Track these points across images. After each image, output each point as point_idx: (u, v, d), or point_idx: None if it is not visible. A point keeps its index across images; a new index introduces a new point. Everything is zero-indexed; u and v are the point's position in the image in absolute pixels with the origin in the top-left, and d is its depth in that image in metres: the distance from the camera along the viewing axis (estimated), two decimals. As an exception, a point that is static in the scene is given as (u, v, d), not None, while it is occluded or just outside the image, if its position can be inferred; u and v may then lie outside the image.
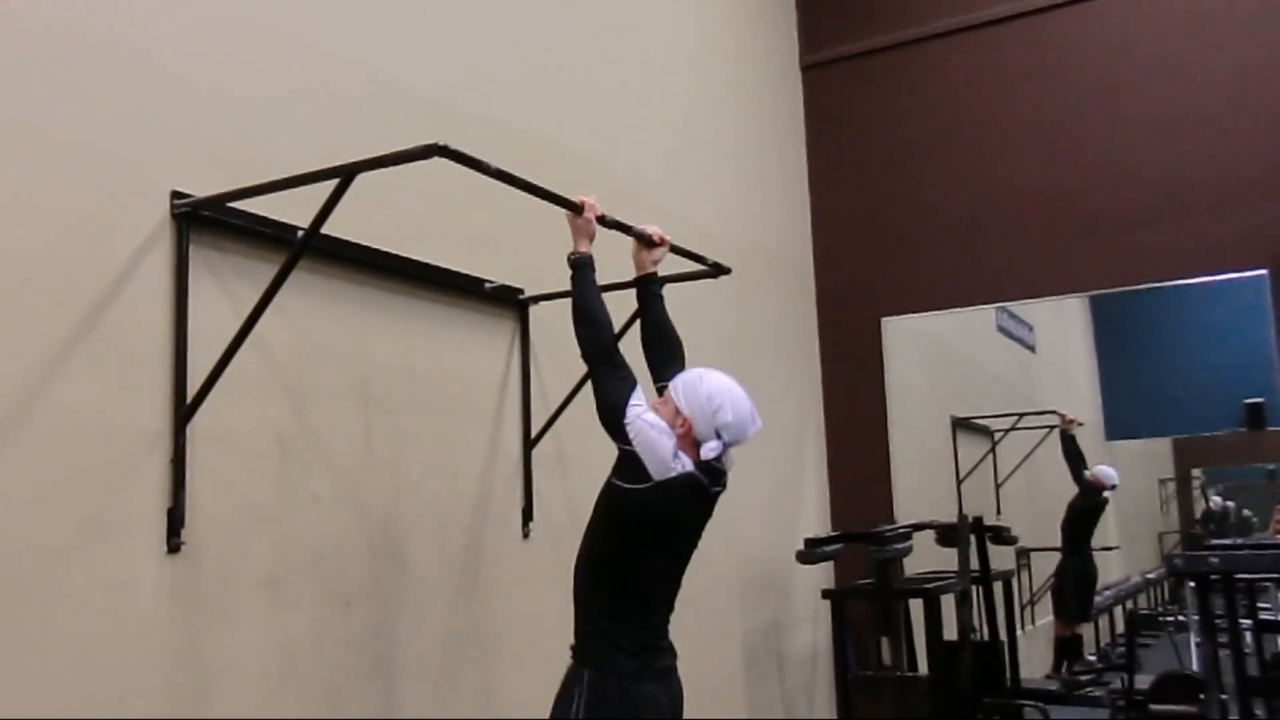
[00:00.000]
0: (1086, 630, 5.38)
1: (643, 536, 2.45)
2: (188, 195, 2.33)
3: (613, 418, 2.42)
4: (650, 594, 2.53)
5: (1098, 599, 5.33)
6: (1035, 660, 5.16)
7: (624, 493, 2.41)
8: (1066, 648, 5.28)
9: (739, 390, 2.52)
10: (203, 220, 2.36)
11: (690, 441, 2.46)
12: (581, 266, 2.56)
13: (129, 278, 2.22)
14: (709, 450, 2.45)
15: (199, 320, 2.33)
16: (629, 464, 2.39)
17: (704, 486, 2.48)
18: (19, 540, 1.98)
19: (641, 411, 2.41)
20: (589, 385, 3.16)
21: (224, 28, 2.52)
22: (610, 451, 2.45)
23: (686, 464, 2.42)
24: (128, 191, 2.25)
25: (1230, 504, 5.23)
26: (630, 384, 2.44)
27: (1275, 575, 3.77)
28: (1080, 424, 5.31)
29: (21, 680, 1.96)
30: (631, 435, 2.38)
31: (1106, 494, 5.21)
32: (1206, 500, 5.33)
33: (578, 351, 2.55)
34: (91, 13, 2.23)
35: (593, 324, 2.50)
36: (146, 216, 2.27)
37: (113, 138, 2.24)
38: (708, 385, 2.50)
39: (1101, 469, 5.24)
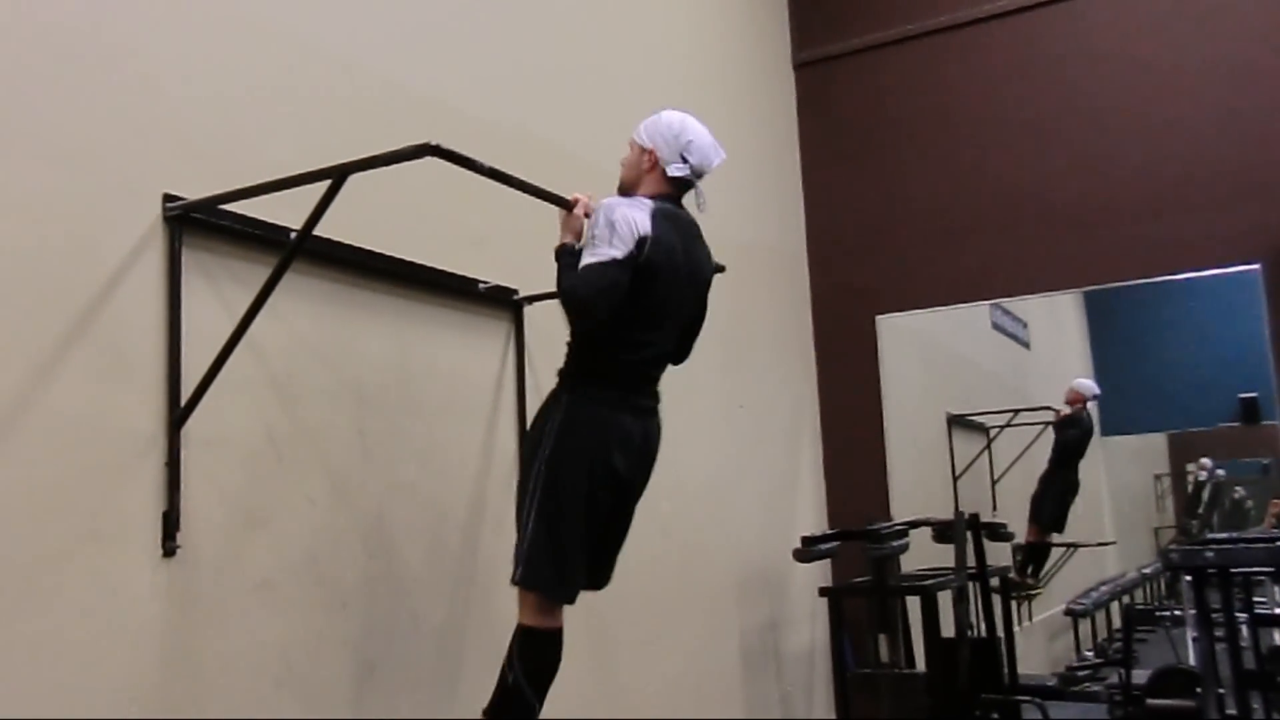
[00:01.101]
0: (1083, 624, 5.39)
1: (646, 286, 2.49)
2: (179, 198, 2.33)
3: (627, 270, 2.43)
4: (646, 345, 2.58)
5: (1094, 594, 5.33)
6: (1033, 657, 5.17)
7: (644, 260, 2.47)
8: (1034, 553, 5.33)
9: (698, 122, 2.67)
10: (195, 223, 2.36)
11: (657, 174, 2.61)
12: (563, 255, 2.58)
13: (121, 281, 2.22)
14: (675, 169, 2.59)
15: (192, 323, 2.33)
16: (641, 247, 2.46)
17: (673, 211, 2.59)
18: (14, 544, 1.97)
19: (597, 247, 2.45)
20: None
21: (214, 30, 2.52)
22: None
23: (645, 201, 2.54)
24: (119, 195, 2.24)
25: (1221, 472, 5.23)
26: (590, 265, 2.45)
27: (1271, 569, 3.77)
28: (1074, 419, 5.32)
29: (17, 683, 1.95)
30: (629, 245, 2.43)
31: (1090, 405, 5.22)
32: (1195, 476, 5.32)
33: (572, 351, 2.54)
34: (82, 16, 2.23)
35: (566, 300, 2.51)
36: (138, 220, 2.27)
37: (104, 141, 2.23)
38: (667, 115, 2.68)
39: (1078, 381, 5.28)
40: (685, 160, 2.60)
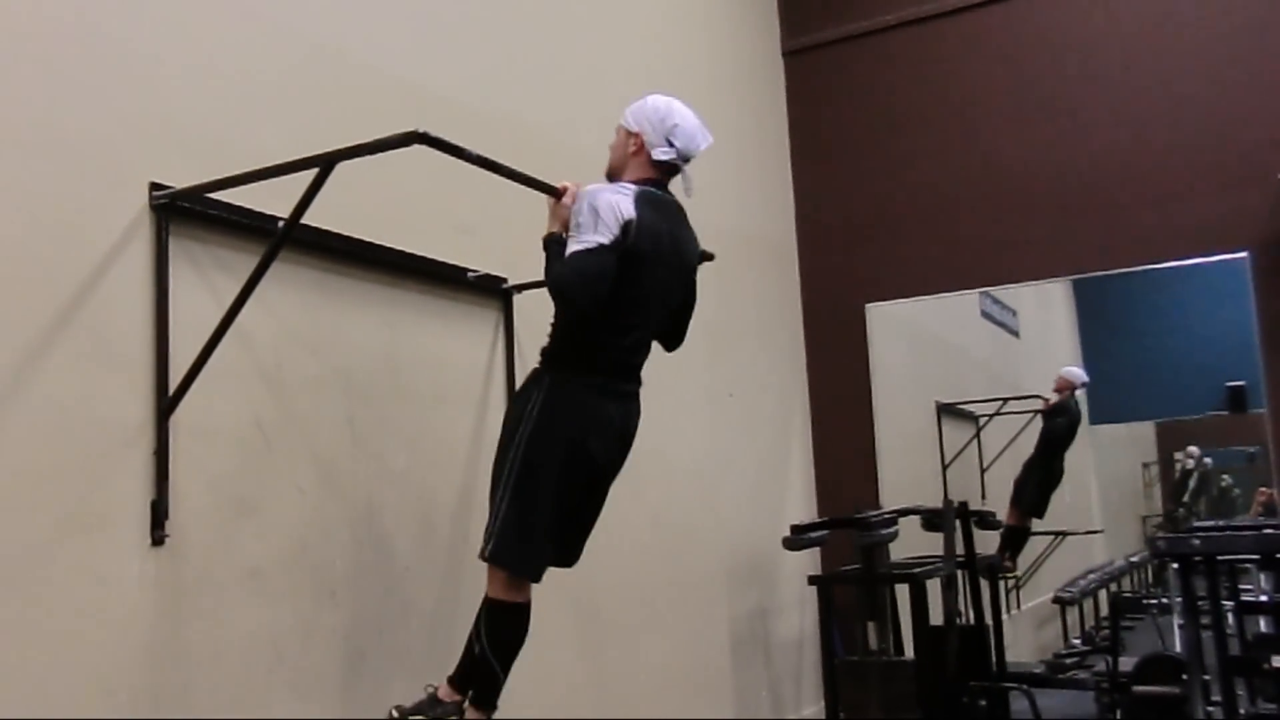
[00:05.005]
0: (1071, 612, 5.42)
1: (632, 272, 2.49)
2: (166, 187, 2.32)
3: (613, 256, 2.43)
4: (628, 330, 2.58)
5: (1081, 583, 5.36)
6: (1020, 644, 5.19)
7: (629, 246, 2.46)
8: (1014, 536, 5.33)
9: (685, 106, 2.67)
10: (182, 212, 2.35)
11: (643, 158, 2.61)
12: (551, 245, 2.58)
13: (108, 270, 2.21)
14: (661, 153, 2.58)
15: (180, 312, 2.32)
16: (625, 233, 2.45)
17: (659, 196, 2.58)
18: (1, 534, 1.97)
19: (582, 236, 2.44)
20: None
21: (201, 18, 2.51)
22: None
23: (629, 187, 2.53)
24: (106, 183, 2.24)
25: (1209, 461, 5.25)
26: (577, 254, 2.44)
27: (1257, 556, 3.79)
28: (1064, 408, 5.33)
29: (4, 674, 1.95)
30: (614, 231, 2.42)
31: (1078, 393, 5.25)
32: (1182, 465, 5.35)
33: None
34: (68, 5, 2.21)
35: (555, 285, 2.50)
36: (125, 208, 2.26)
37: (90, 129, 2.22)
38: (653, 99, 2.69)
39: (1067, 369, 5.30)
40: (671, 144, 2.59)
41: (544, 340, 2.60)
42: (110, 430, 2.18)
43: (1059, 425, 5.33)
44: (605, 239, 2.43)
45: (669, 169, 2.64)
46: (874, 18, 5.51)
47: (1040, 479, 5.34)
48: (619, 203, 2.46)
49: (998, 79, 5.21)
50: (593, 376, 2.52)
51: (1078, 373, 5.28)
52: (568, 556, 2.63)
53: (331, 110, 2.81)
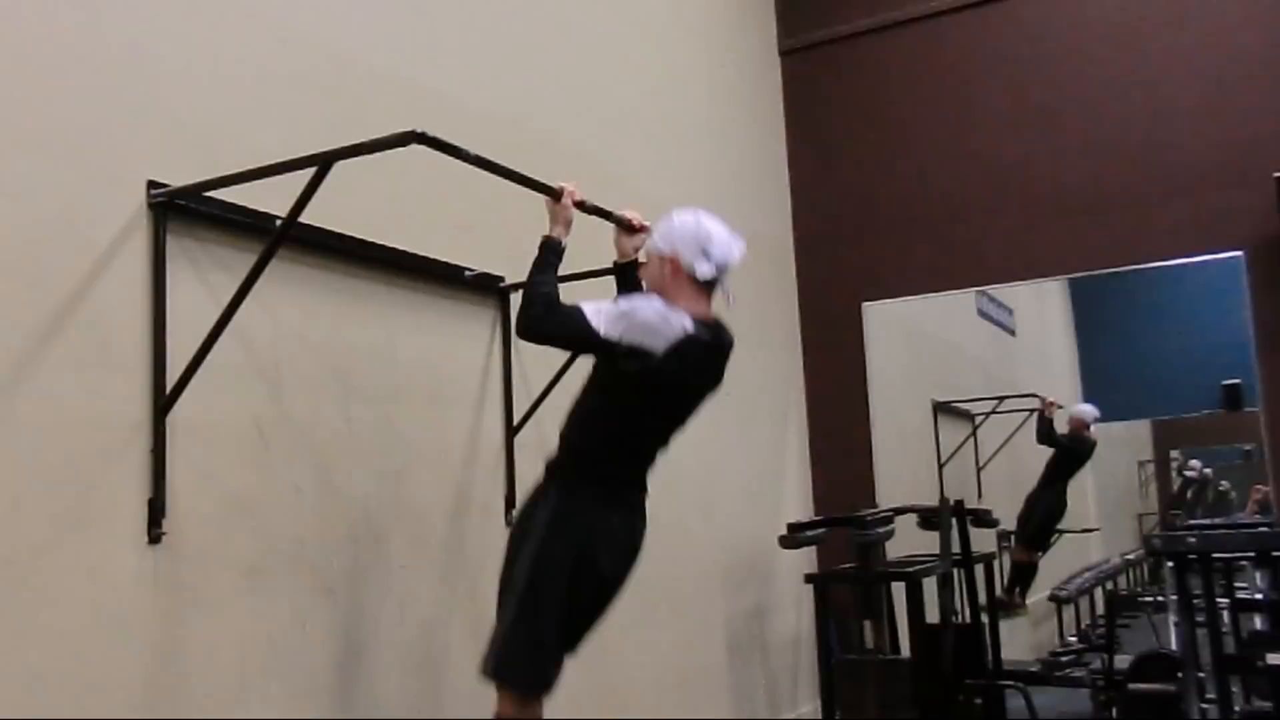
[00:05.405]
0: (1067, 610, 5.43)
1: (646, 402, 2.47)
2: (164, 185, 2.32)
3: (591, 346, 2.42)
4: (638, 448, 2.57)
5: (1077, 581, 5.37)
6: (1016, 642, 5.20)
7: (631, 372, 2.40)
8: (1022, 573, 5.36)
9: (710, 216, 2.60)
10: (180, 210, 2.35)
11: (683, 280, 2.51)
12: (544, 249, 2.55)
13: (106, 268, 2.21)
14: (703, 271, 2.49)
15: (177, 310, 2.32)
16: (630, 355, 2.38)
17: (708, 343, 2.50)
18: (-2, 532, 1.97)
19: (603, 310, 2.39)
20: (571, 372, 3.18)
21: (199, 15, 2.50)
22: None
23: (685, 322, 2.42)
24: (103, 181, 2.23)
25: (1209, 470, 5.27)
26: (576, 310, 2.41)
27: (1252, 554, 3.81)
28: (1060, 407, 5.34)
29: (1, 673, 1.95)
30: (618, 336, 2.37)
31: (1092, 430, 5.25)
32: (1181, 472, 5.36)
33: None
34: (67, 3, 2.21)
35: (529, 306, 2.46)
36: (123, 206, 2.26)
37: (88, 127, 2.22)
38: (678, 217, 2.59)
39: (1079, 408, 5.28)
40: (708, 257, 2.51)
41: (540, 346, 2.59)
42: (107, 428, 2.18)
43: (1070, 452, 5.32)
44: (603, 333, 2.37)
45: (711, 285, 2.57)
46: (870, 17, 5.52)
47: (1043, 512, 5.34)
48: (659, 336, 2.37)
49: (993, 78, 5.22)
50: (600, 488, 2.48)
51: (1090, 410, 5.26)
52: (570, 652, 2.55)
53: (330, 109, 2.81)
